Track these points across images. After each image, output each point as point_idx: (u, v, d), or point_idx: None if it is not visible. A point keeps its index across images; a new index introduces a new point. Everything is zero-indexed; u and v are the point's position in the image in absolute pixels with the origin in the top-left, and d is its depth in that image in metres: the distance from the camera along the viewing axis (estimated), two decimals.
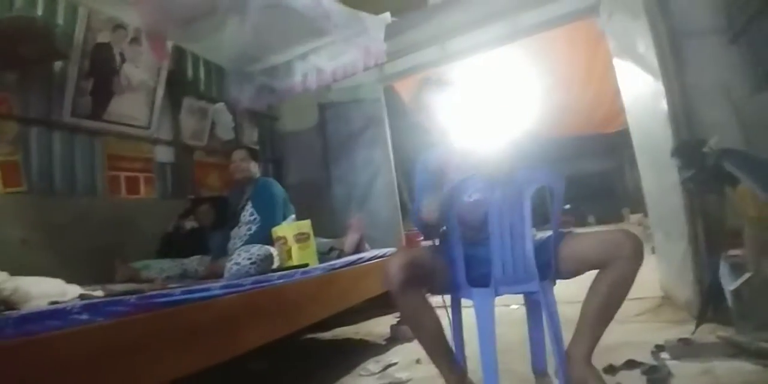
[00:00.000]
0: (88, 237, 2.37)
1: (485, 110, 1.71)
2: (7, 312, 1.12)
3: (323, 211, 3.36)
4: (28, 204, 2.20)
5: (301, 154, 3.89)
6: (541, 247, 1.40)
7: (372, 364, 2.04)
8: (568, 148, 8.78)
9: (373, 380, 1.85)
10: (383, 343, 2.47)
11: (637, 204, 4.94)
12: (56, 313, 1.02)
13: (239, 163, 2.49)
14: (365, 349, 2.35)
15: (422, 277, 1.32)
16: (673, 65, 2.31)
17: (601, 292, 1.33)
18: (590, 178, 9.79)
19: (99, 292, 1.43)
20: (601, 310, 1.34)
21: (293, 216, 2.49)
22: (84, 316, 1.04)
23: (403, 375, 1.86)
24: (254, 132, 3.68)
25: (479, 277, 1.36)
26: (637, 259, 1.28)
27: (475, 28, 3.24)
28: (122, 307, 1.10)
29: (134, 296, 1.13)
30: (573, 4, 2.99)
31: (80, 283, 1.55)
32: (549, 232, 1.43)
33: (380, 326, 2.68)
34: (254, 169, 2.54)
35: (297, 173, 3.85)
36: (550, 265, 1.38)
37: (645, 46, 2.40)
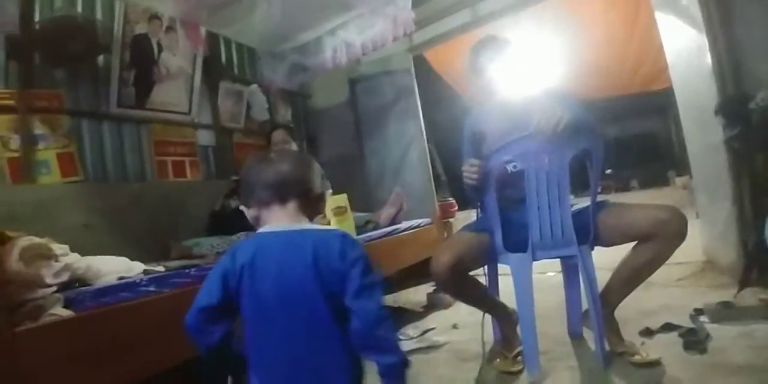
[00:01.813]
0: (143, 219, 2.53)
1: (531, 71, 1.66)
2: (82, 288, 1.25)
3: (357, 185, 3.40)
4: (86, 191, 2.35)
5: (333, 129, 3.92)
6: (579, 214, 1.42)
7: (411, 330, 2.14)
8: (609, 110, 8.37)
9: (412, 344, 1.93)
10: (421, 310, 2.55)
11: (684, 166, 4.71)
12: (127, 286, 1.15)
13: (281, 145, 2.56)
14: (403, 316, 2.44)
15: (469, 269, 1.42)
16: (719, 17, 2.16)
17: (635, 265, 1.38)
18: (633, 141, 9.28)
19: (160, 268, 1.57)
20: (635, 278, 1.42)
21: (330, 191, 2.57)
22: (151, 288, 1.17)
23: (440, 338, 1.95)
24: (288, 111, 3.74)
25: (517, 242, 1.40)
26: (679, 238, 1.31)
27: None
28: (184, 279, 1.22)
29: (193, 269, 1.25)
30: None
31: (141, 261, 1.70)
32: (587, 201, 1.45)
33: (417, 294, 2.76)
34: (294, 149, 2.61)
35: (330, 149, 3.88)
36: (588, 231, 1.39)
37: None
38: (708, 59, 2.17)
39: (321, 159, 3.77)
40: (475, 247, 1.45)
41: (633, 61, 5.43)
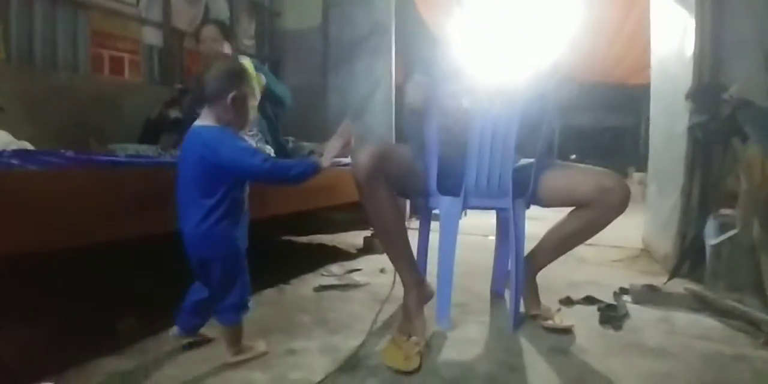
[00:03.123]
0: (67, 113, 2.26)
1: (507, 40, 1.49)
2: None
3: (316, 118, 3.19)
4: (7, 73, 2.09)
5: (300, 56, 3.61)
6: (523, 168, 1.33)
7: (336, 267, 2.08)
8: (588, 96, 8.35)
9: (332, 280, 1.88)
10: (354, 251, 2.51)
11: (644, 163, 4.80)
12: None
13: (210, 43, 2.12)
14: (335, 255, 2.39)
15: (392, 173, 1.25)
16: (712, 8, 2.08)
17: (572, 228, 1.33)
18: (604, 132, 9.48)
19: None
20: (565, 243, 1.38)
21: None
22: (14, 161, 0.96)
23: (362, 279, 1.89)
24: (251, 25, 3.39)
25: (452, 187, 1.29)
26: (620, 208, 1.26)
27: None
28: (57, 159, 1.02)
29: (72, 151, 1.05)
30: None
31: None
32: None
33: (356, 238, 2.70)
34: (228, 49, 2.15)
35: (294, 76, 3.58)
36: (527, 187, 1.29)
37: None
38: (691, 47, 2.12)
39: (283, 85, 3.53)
40: (404, 156, 1.33)
41: (620, 49, 5.36)
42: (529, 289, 1.42)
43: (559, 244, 1.39)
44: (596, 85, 7.30)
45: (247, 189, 1.13)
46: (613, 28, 4.91)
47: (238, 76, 1.11)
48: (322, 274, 1.99)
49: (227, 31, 2.21)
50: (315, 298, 1.71)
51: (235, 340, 1.12)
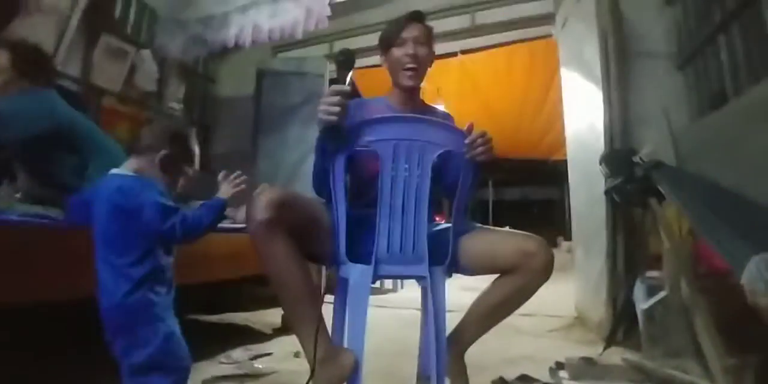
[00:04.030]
0: None
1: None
2: None
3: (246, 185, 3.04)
4: None
5: (232, 122, 3.59)
6: (441, 232, 1.22)
7: (239, 352, 1.77)
8: (514, 173, 8.94)
9: (230, 369, 1.58)
10: (269, 332, 2.22)
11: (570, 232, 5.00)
12: None
13: None
14: (245, 336, 2.08)
15: (295, 224, 1.06)
16: (618, 81, 2.30)
17: (497, 298, 1.22)
18: (532, 205, 10.02)
19: None
20: (492, 315, 1.25)
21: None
22: None
23: (268, 366, 1.60)
24: (181, 88, 3.31)
25: (362, 252, 1.13)
26: (545, 273, 1.16)
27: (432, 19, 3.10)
28: None
29: None
30: (530, 9, 2.98)
31: None
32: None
33: (276, 316, 2.38)
34: None
35: (225, 142, 3.54)
36: (446, 252, 1.17)
37: (593, 58, 2.37)
38: (602, 117, 2.26)
39: (212, 151, 3.39)
40: (310, 207, 1.16)
41: (543, 125, 5.83)
42: (454, 370, 1.23)
43: (486, 316, 1.24)
44: (523, 162, 7.85)
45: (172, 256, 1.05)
46: (535, 106, 5.38)
47: (177, 137, 1.10)
48: (221, 362, 1.67)
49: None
50: None
51: None
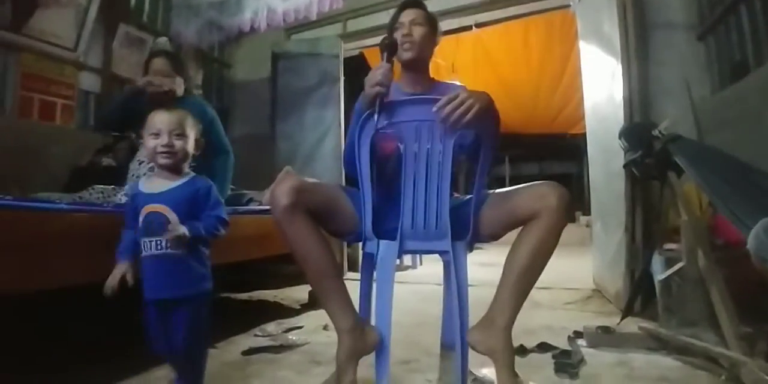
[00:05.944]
0: None
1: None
2: None
3: (265, 167, 3.10)
4: None
5: (249, 105, 3.63)
6: (461, 206, 1.25)
7: (272, 326, 1.88)
8: (532, 148, 8.82)
9: (266, 341, 1.69)
10: (298, 307, 2.32)
11: (590, 208, 4.96)
12: None
13: (159, 76, 1.81)
14: (275, 312, 2.18)
15: (315, 207, 1.15)
16: (637, 53, 2.26)
17: (525, 249, 1.18)
18: (551, 179, 9.86)
19: None
20: (525, 270, 1.19)
21: None
22: None
23: (299, 338, 1.71)
24: (199, 74, 3.37)
25: (391, 230, 1.19)
26: (563, 209, 1.15)
27: None
28: None
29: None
30: None
31: None
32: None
33: (302, 292, 2.50)
34: (179, 85, 1.85)
35: (243, 125, 3.59)
36: (467, 227, 1.21)
37: (612, 30, 2.32)
38: (621, 90, 2.24)
39: (231, 134, 3.45)
40: (330, 192, 1.25)
41: (559, 99, 5.73)
42: (498, 346, 1.18)
43: (523, 275, 1.18)
44: (540, 136, 7.75)
45: None
46: (552, 80, 5.28)
47: None
48: (256, 335, 1.79)
49: (179, 65, 1.94)
50: (242, 363, 1.50)
51: None
